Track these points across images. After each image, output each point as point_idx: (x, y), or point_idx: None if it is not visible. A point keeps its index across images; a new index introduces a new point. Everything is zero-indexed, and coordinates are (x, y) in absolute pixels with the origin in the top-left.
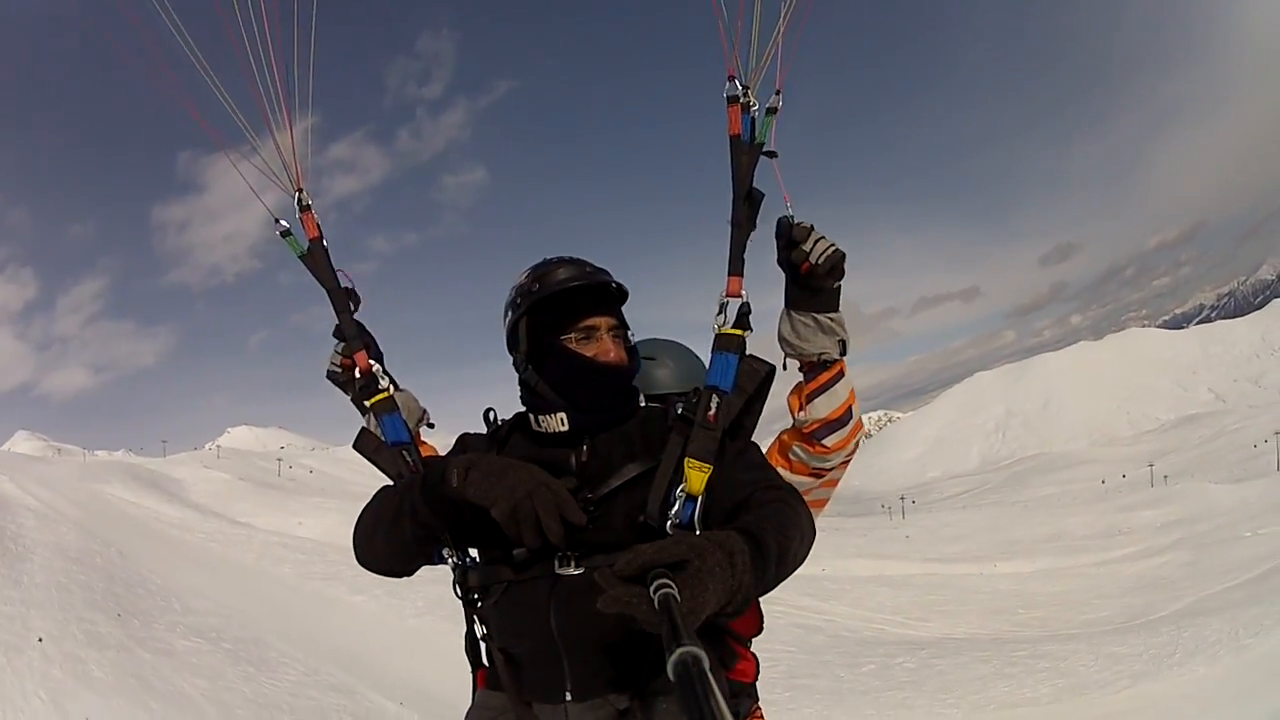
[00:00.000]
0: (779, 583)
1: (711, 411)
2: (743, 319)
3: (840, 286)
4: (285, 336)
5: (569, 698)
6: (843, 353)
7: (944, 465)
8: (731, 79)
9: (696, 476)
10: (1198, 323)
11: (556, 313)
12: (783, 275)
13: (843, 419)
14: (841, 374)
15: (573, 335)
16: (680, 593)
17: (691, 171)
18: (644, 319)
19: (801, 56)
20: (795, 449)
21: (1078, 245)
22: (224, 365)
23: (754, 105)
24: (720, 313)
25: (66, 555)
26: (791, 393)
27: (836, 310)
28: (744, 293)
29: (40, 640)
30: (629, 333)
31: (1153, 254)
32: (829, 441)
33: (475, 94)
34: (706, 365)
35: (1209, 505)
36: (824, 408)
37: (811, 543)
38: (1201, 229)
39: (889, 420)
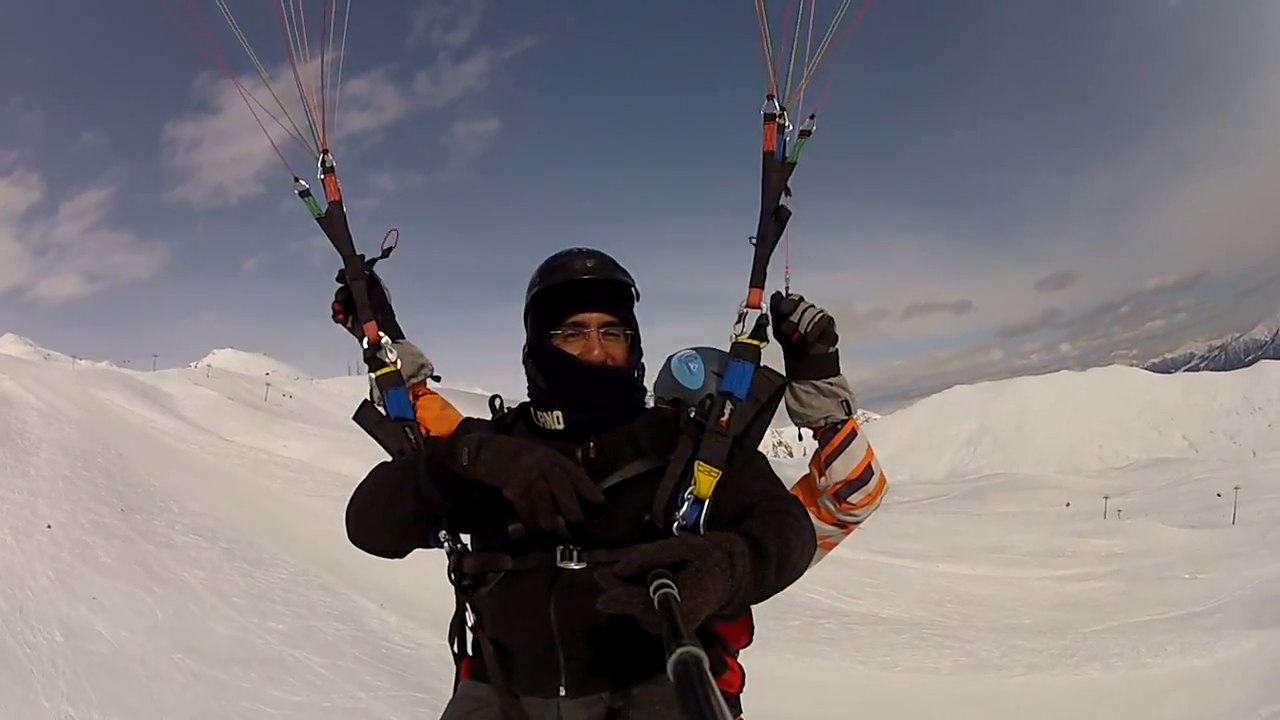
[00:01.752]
0: (777, 590)
1: (724, 417)
2: (760, 330)
3: (836, 351)
4: (280, 263)
5: (563, 693)
6: (848, 413)
7: (913, 470)
8: (770, 98)
9: (705, 480)
10: (1186, 369)
11: (550, 308)
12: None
13: (864, 477)
14: (854, 434)
15: (560, 332)
16: (680, 593)
17: (700, 145)
18: (647, 286)
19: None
20: (825, 500)
21: (1076, 275)
22: (216, 286)
23: (788, 126)
24: (739, 322)
25: (70, 452)
26: (811, 462)
27: (837, 374)
28: (764, 305)
29: (49, 527)
30: (627, 330)
31: (1150, 295)
32: (854, 499)
33: (498, 45)
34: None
35: (1156, 543)
36: (842, 469)
37: (812, 554)
38: (1203, 279)
39: (865, 420)
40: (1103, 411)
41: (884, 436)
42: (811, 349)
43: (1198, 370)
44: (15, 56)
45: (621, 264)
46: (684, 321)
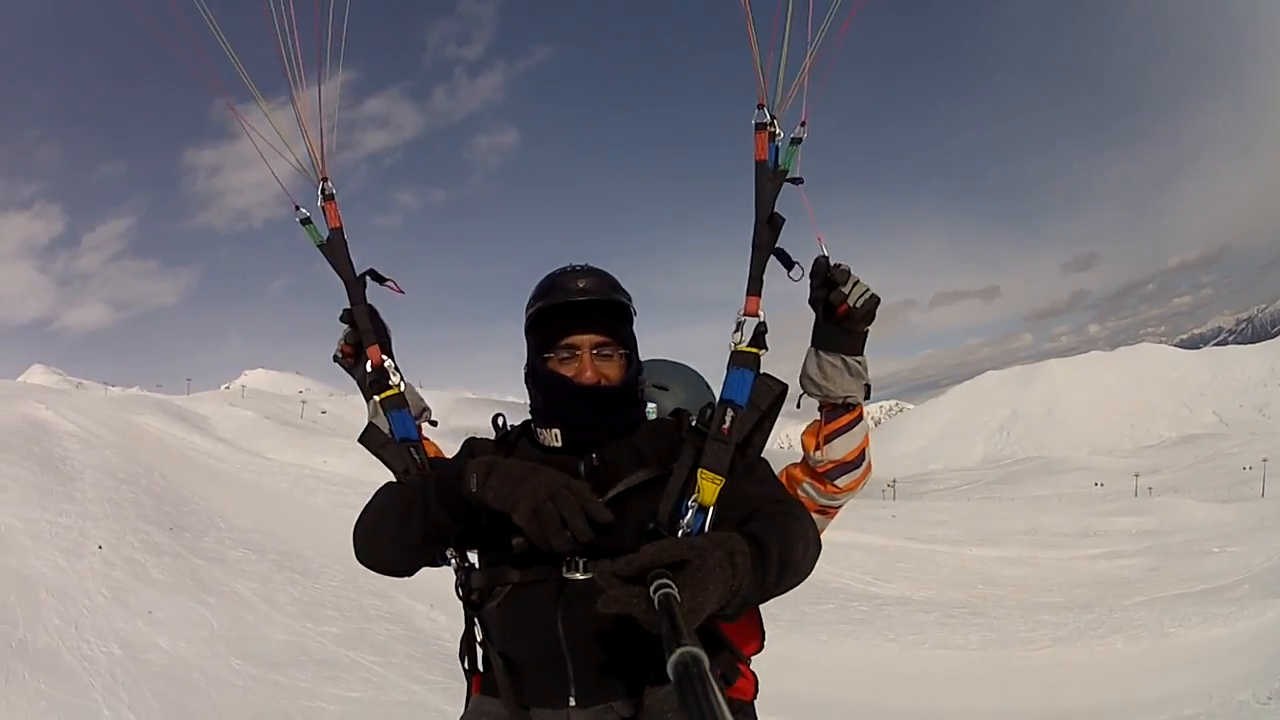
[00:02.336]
0: (780, 591)
1: (725, 425)
2: (759, 338)
3: (868, 331)
4: (306, 283)
5: (572, 703)
6: (866, 396)
7: (946, 459)
8: (761, 107)
9: (709, 488)
10: (1215, 344)
11: (545, 329)
12: (812, 314)
13: (856, 461)
14: (860, 418)
15: (553, 355)
16: (680, 593)
17: (717, 151)
18: (665, 292)
19: (843, 50)
20: (805, 485)
21: (1100, 256)
22: (244, 308)
23: (779, 134)
24: (737, 330)
25: (114, 476)
26: (807, 431)
27: (862, 354)
28: (761, 312)
29: (100, 548)
30: (622, 350)
31: (1175, 273)
32: (841, 482)
33: (514, 58)
34: (711, 387)
35: (1185, 520)
36: (841, 449)
37: (816, 556)
38: (1225, 253)
39: (899, 410)
40: (1132, 391)
41: (917, 427)
42: (854, 325)
43: (1226, 344)
44: (29, 89)
45: (620, 281)
46: (710, 325)
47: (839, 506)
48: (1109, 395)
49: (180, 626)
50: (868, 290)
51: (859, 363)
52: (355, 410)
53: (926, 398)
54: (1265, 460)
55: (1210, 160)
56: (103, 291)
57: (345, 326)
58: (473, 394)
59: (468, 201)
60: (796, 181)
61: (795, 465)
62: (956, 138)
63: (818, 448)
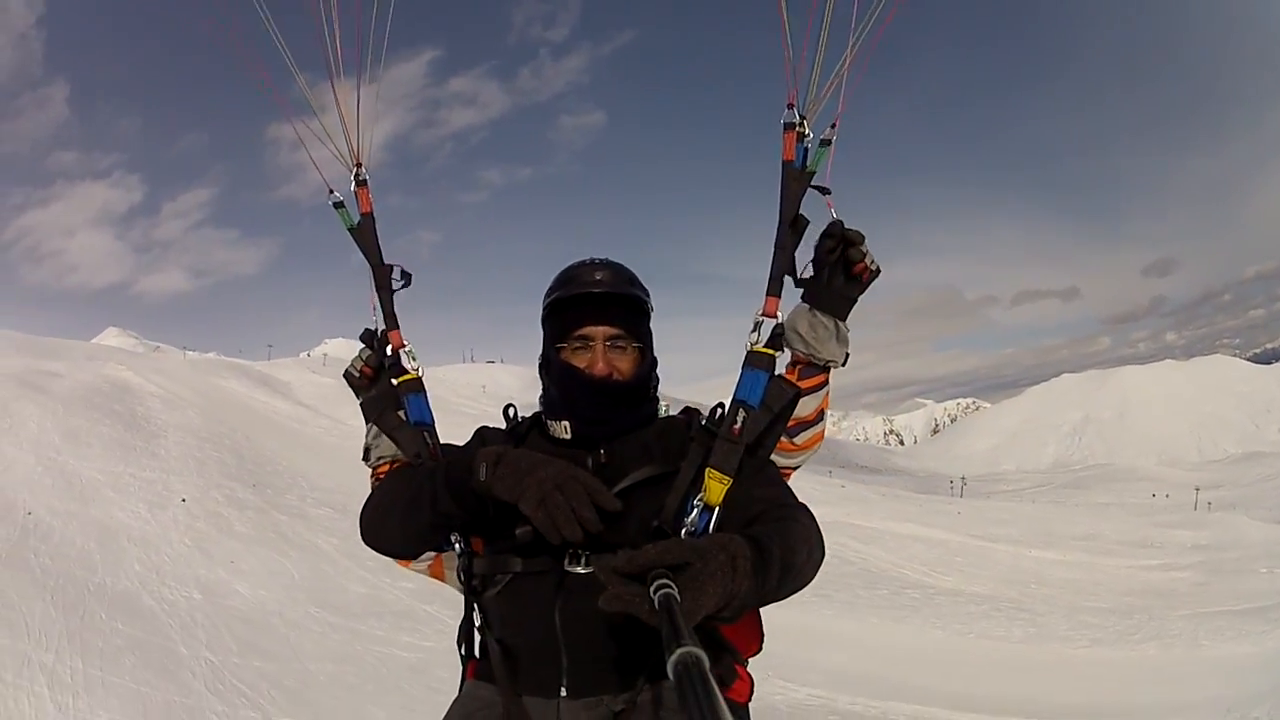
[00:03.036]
0: (781, 595)
1: (737, 425)
2: (775, 339)
3: (857, 300)
4: (388, 258)
5: (564, 694)
6: (844, 363)
7: (1019, 460)
8: (790, 107)
9: (716, 488)
10: None
11: (560, 320)
12: (809, 276)
13: (817, 419)
14: (827, 381)
15: (568, 345)
16: (680, 594)
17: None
18: (743, 275)
19: (923, 32)
20: None
21: (1178, 261)
22: (324, 279)
23: (808, 135)
24: (754, 330)
25: (197, 435)
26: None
27: (845, 318)
28: (780, 314)
29: (184, 501)
30: (636, 345)
31: (1251, 283)
32: (800, 439)
33: (599, 40)
34: None
35: (1239, 536)
36: (805, 408)
37: (820, 561)
38: None
39: (975, 408)
40: (1201, 402)
41: (992, 426)
42: (855, 290)
43: None
44: (109, 64)
45: (640, 278)
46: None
47: (796, 467)
48: (1179, 405)
49: (261, 576)
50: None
51: (847, 329)
52: (436, 383)
53: (1003, 397)
54: None
55: None
56: (182, 259)
57: (363, 347)
58: None
59: (552, 180)
60: (824, 191)
61: None
62: (1037, 126)
63: None
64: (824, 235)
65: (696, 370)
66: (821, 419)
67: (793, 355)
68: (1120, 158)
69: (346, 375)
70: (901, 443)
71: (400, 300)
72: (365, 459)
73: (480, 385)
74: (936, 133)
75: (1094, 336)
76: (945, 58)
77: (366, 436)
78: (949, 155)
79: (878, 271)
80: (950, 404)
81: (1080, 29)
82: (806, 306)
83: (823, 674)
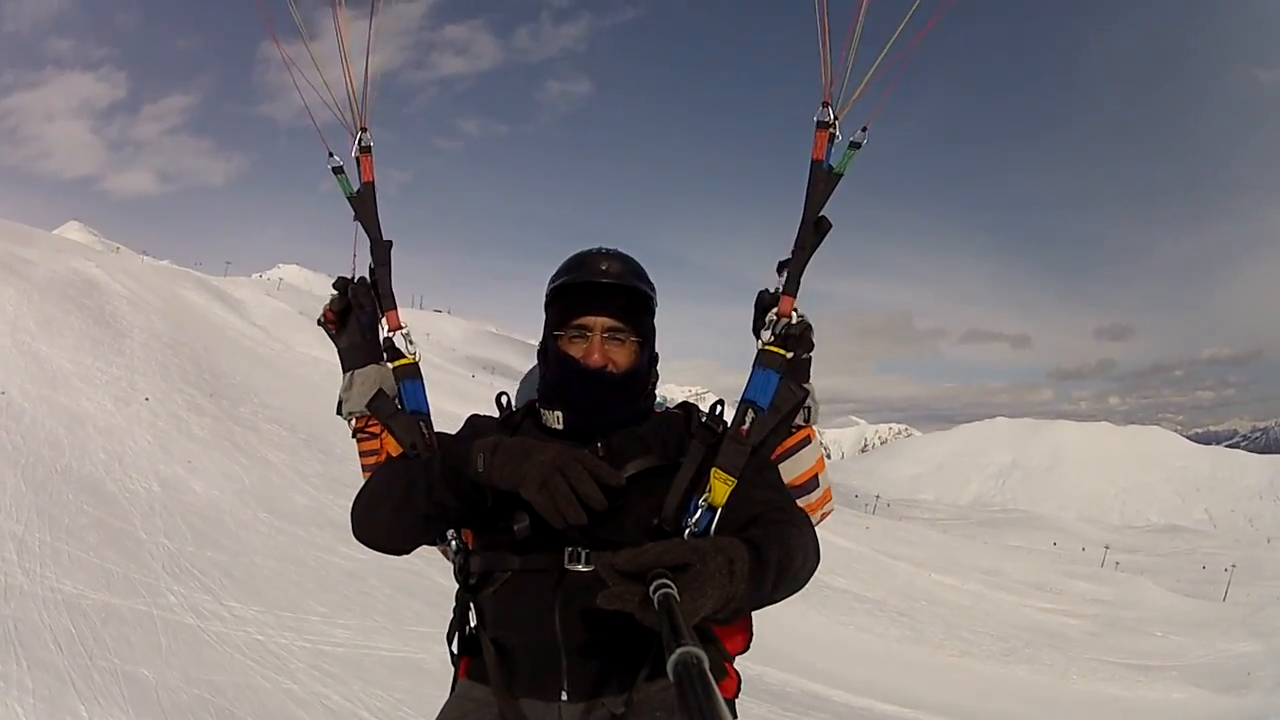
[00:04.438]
0: (776, 599)
1: (745, 426)
2: (788, 339)
3: (811, 358)
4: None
5: (565, 697)
6: (808, 420)
7: (939, 491)
8: (825, 105)
9: (721, 489)
10: (1227, 444)
11: (562, 307)
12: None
13: (808, 485)
14: (808, 440)
15: (565, 334)
16: (680, 594)
17: (787, 130)
18: (722, 266)
19: (927, 64)
20: None
21: (1135, 329)
22: (289, 202)
23: (839, 136)
24: (768, 328)
25: (161, 340)
26: None
27: (807, 379)
28: (794, 314)
29: (147, 399)
30: (635, 338)
31: (1204, 365)
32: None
33: (601, 12)
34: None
35: (1140, 599)
36: (790, 471)
37: (815, 566)
38: (1257, 358)
39: (906, 434)
40: (1132, 470)
41: (919, 454)
42: (799, 353)
43: (1237, 448)
44: None
45: (646, 271)
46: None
47: None
48: (1110, 467)
49: (215, 478)
50: (802, 320)
51: (803, 387)
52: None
53: (935, 428)
54: (1234, 566)
55: (1265, 260)
56: (153, 161)
57: (334, 292)
58: (496, 329)
59: (529, 140)
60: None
61: None
62: (1017, 176)
63: None
64: (755, 305)
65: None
66: (816, 484)
67: None
68: (1098, 220)
69: (320, 323)
70: (829, 456)
71: (347, 226)
72: (338, 411)
73: (425, 333)
74: (918, 160)
75: (1037, 387)
76: (943, 92)
77: (341, 388)
78: (926, 183)
79: (806, 335)
80: (883, 427)
81: (1084, 90)
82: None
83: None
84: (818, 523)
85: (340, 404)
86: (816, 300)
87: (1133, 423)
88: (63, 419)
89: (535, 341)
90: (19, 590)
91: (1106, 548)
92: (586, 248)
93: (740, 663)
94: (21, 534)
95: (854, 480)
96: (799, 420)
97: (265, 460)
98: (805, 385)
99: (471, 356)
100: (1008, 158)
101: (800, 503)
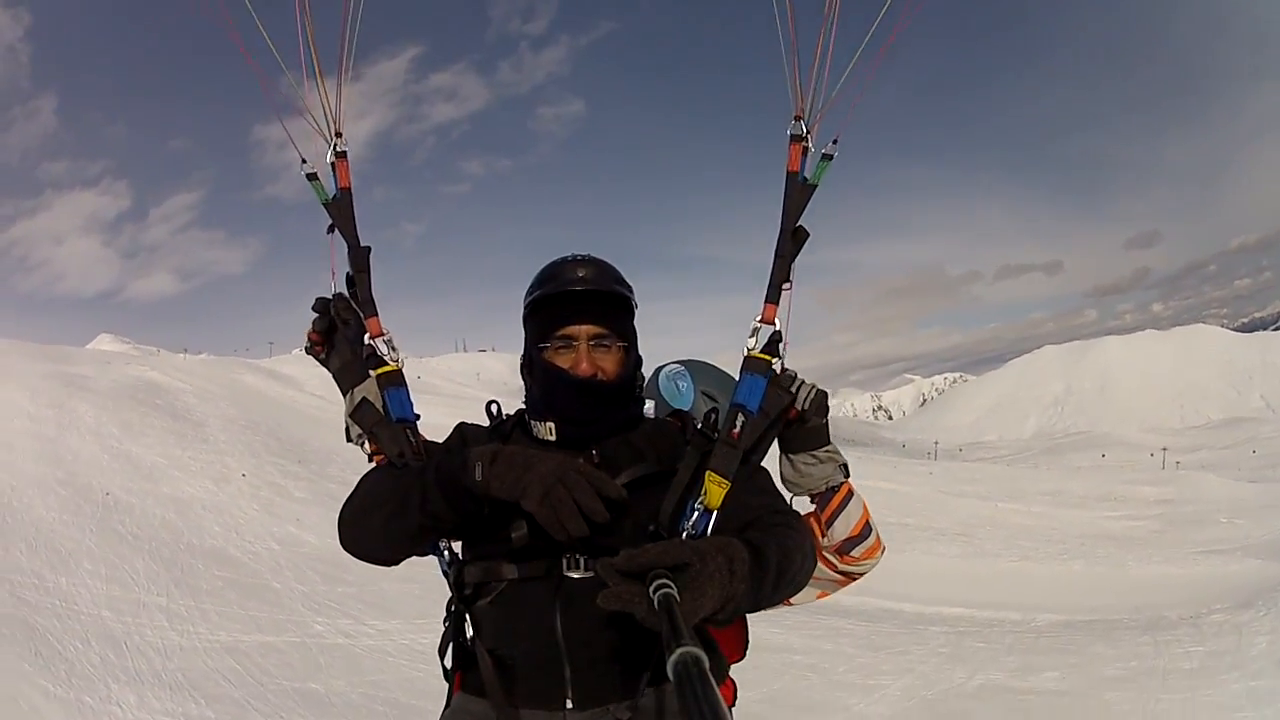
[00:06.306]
0: (775, 601)
1: (735, 429)
2: (773, 345)
3: (827, 422)
4: (374, 250)
5: (569, 705)
6: (846, 475)
7: (1000, 430)
8: (798, 119)
9: (716, 491)
10: (1275, 329)
11: (542, 319)
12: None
13: (863, 533)
14: (851, 494)
15: (550, 345)
16: (680, 594)
17: (781, 120)
18: (729, 257)
19: (914, 23)
20: (827, 554)
21: (1162, 234)
22: (308, 273)
23: (812, 149)
24: (753, 336)
25: (236, 423)
26: (809, 518)
27: (829, 443)
28: (777, 321)
29: (244, 475)
30: (620, 343)
31: (1235, 255)
32: (857, 553)
33: (577, 32)
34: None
35: (1201, 492)
36: (843, 529)
37: (812, 569)
38: None
39: (959, 381)
40: (1184, 371)
41: (974, 399)
42: (809, 423)
43: None
44: (92, 74)
45: (622, 273)
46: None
47: (862, 574)
48: (1161, 374)
49: (325, 529)
50: (813, 388)
51: (828, 452)
52: (431, 372)
53: (986, 370)
54: None
55: (1269, 143)
56: (170, 261)
57: (315, 315)
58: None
59: (534, 168)
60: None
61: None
62: (1019, 110)
63: (823, 534)
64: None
65: (685, 351)
66: (869, 530)
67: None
68: (1103, 137)
69: (306, 350)
70: (890, 417)
71: (392, 288)
72: (347, 438)
73: (475, 373)
74: (922, 115)
75: (1079, 310)
76: (933, 43)
77: (345, 412)
78: (933, 136)
79: (819, 403)
80: (937, 378)
81: (1067, 13)
82: (782, 454)
83: None
84: (875, 566)
85: (348, 429)
86: (846, 270)
87: (1178, 325)
88: (170, 506)
89: None
90: (178, 647)
91: (1164, 449)
92: (559, 257)
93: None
94: (166, 604)
95: (916, 435)
96: (839, 478)
97: None
98: (827, 449)
99: (521, 386)
100: (1006, 94)
101: (860, 549)
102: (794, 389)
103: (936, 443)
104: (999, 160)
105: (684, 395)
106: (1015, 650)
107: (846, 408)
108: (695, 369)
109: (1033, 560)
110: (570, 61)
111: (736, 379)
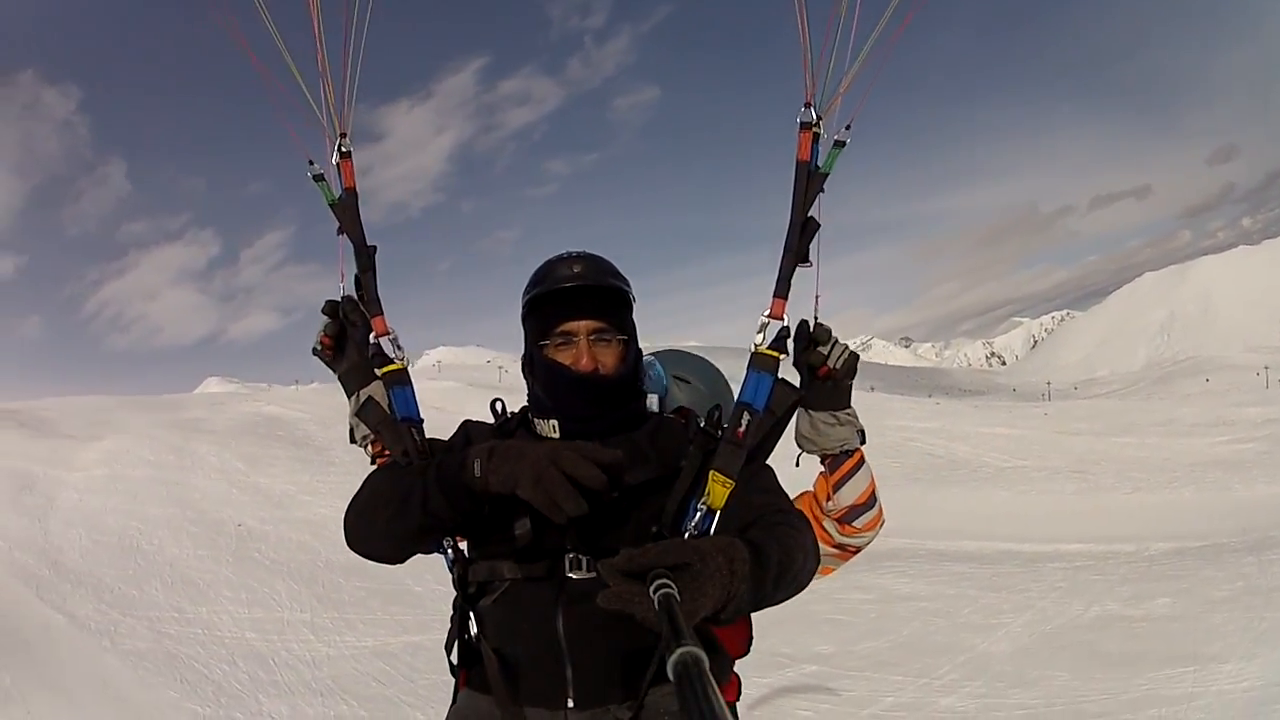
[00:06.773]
0: (776, 600)
1: (741, 428)
2: (780, 342)
3: (851, 385)
4: (471, 261)
5: (571, 705)
6: (862, 441)
7: (1111, 364)
8: (808, 106)
9: (719, 491)
10: None
11: (541, 316)
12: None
13: (869, 503)
14: (862, 461)
15: (550, 342)
16: (680, 594)
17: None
18: (844, 217)
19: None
20: (826, 524)
21: (1238, 147)
22: (415, 293)
23: (823, 135)
24: (760, 332)
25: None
26: (817, 481)
27: (849, 406)
28: (786, 316)
29: None
30: (620, 337)
31: None
32: (859, 523)
33: (637, 19)
34: (730, 385)
35: None
36: (850, 494)
37: (814, 569)
38: None
39: (1067, 318)
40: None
41: (1082, 335)
42: (836, 383)
43: None
44: (154, 133)
45: (618, 268)
46: (860, 254)
47: (860, 547)
48: (1258, 290)
49: None
50: (847, 349)
51: (848, 414)
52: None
53: (1092, 304)
54: None
55: None
56: (267, 300)
57: (325, 319)
58: (645, 344)
59: (617, 160)
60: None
61: (812, 500)
62: (1082, 36)
63: (829, 497)
64: (794, 336)
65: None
66: (874, 501)
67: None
68: (1164, 52)
69: (315, 352)
70: (1003, 363)
71: (498, 295)
72: (351, 439)
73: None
74: (986, 55)
75: (1173, 233)
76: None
77: (349, 414)
78: (1001, 75)
79: (850, 365)
80: (1045, 318)
81: None
82: (803, 409)
83: (908, 523)
84: (873, 540)
85: (351, 431)
86: (934, 221)
87: (1268, 239)
88: (305, 529)
89: (697, 343)
90: (326, 657)
91: (1266, 368)
92: (554, 255)
93: (938, 537)
94: (310, 619)
95: (1030, 378)
96: (856, 443)
97: None
98: (849, 411)
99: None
100: (1065, 22)
101: (863, 519)
102: (828, 347)
103: (1049, 383)
104: (1071, 90)
105: (655, 382)
106: (1129, 580)
107: (960, 358)
108: (664, 357)
109: (1145, 491)
110: (635, 50)
111: (712, 364)
